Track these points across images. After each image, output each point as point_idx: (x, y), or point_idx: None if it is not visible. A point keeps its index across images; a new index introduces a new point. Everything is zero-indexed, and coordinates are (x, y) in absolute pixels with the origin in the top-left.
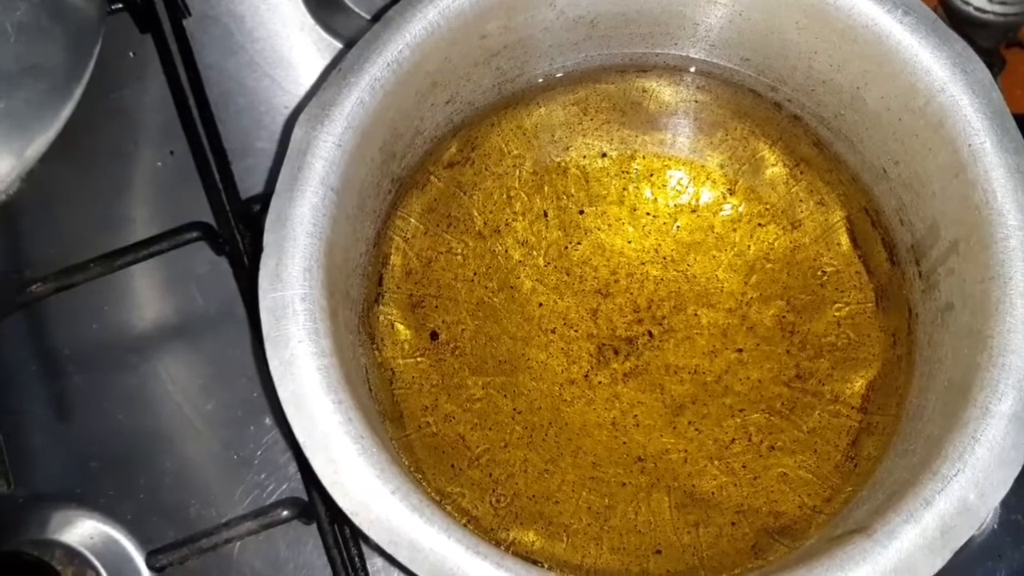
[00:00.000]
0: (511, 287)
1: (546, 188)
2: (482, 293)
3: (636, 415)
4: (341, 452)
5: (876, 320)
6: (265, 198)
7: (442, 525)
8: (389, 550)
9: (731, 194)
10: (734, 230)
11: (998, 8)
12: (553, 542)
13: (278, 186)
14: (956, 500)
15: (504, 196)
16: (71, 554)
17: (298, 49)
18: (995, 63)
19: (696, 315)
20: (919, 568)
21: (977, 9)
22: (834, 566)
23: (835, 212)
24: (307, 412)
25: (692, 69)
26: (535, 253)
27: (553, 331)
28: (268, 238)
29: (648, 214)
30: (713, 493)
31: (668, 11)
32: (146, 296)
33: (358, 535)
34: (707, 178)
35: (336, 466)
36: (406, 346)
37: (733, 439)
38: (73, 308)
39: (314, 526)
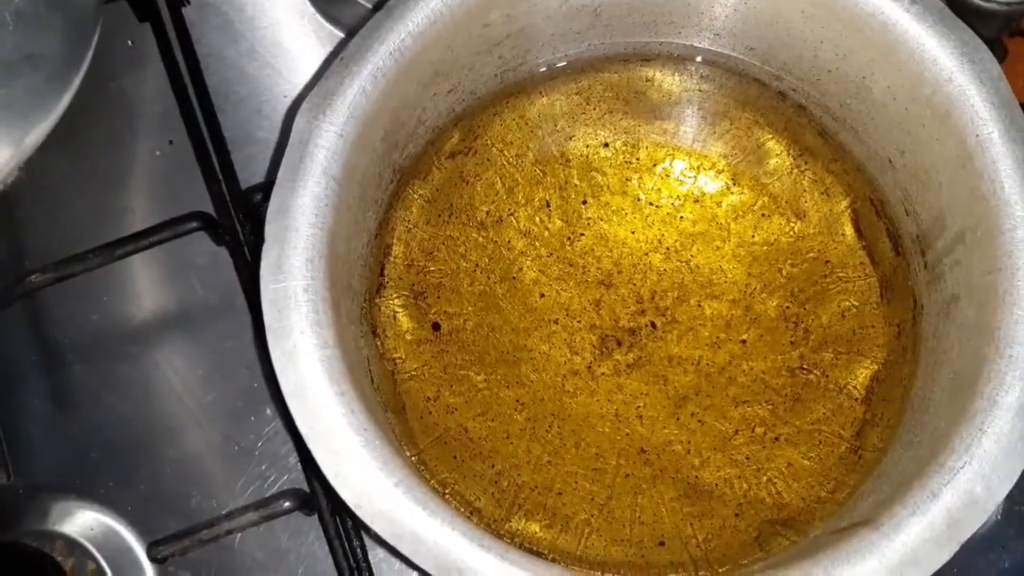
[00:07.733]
0: (513, 278)
1: (548, 178)
2: (484, 284)
3: (639, 406)
4: (344, 444)
5: (880, 311)
6: (265, 187)
7: (446, 518)
8: (392, 543)
9: (735, 184)
10: (738, 220)
11: None
12: (556, 533)
13: (279, 176)
14: (963, 493)
15: (506, 186)
16: (71, 545)
17: (298, 38)
18: (997, 53)
19: (699, 306)
20: (926, 561)
21: None
22: (840, 559)
23: (839, 202)
24: (310, 404)
25: (696, 58)
26: (537, 243)
27: (555, 322)
28: (270, 229)
29: (651, 204)
30: (716, 485)
31: (673, 0)
32: (146, 286)
33: (360, 526)
34: (711, 168)
35: (339, 458)
36: (408, 337)
37: (736, 430)
38: (72, 298)
39: (316, 517)
